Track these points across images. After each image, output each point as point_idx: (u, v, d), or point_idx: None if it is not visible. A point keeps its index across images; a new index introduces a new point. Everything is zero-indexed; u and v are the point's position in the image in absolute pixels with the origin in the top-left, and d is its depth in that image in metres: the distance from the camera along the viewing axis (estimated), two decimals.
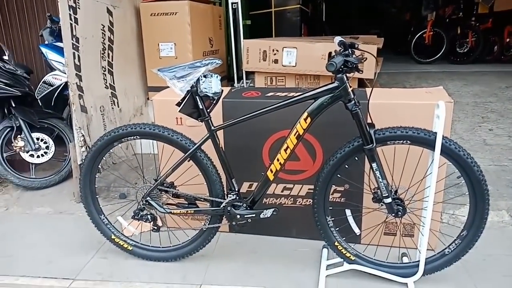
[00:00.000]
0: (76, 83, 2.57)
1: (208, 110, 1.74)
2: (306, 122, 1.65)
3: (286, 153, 1.71)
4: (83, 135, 2.61)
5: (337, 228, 1.81)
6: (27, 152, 2.88)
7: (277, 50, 3.00)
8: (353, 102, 1.59)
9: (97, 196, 2.02)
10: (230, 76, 3.94)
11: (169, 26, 3.12)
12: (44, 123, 2.97)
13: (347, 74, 1.58)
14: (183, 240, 1.99)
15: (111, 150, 1.93)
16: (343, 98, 1.60)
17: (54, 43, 3.17)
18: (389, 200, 1.66)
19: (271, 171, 1.76)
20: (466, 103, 3.98)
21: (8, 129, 2.87)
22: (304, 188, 2.08)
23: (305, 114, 1.64)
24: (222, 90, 1.78)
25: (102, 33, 2.85)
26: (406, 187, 1.78)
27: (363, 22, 9.99)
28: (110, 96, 2.98)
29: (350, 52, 1.56)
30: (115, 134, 1.84)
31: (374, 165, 1.62)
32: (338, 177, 1.74)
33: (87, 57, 2.65)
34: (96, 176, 1.99)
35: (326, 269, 1.85)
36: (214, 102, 1.75)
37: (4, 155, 2.85)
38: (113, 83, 3.00)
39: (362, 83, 2.96)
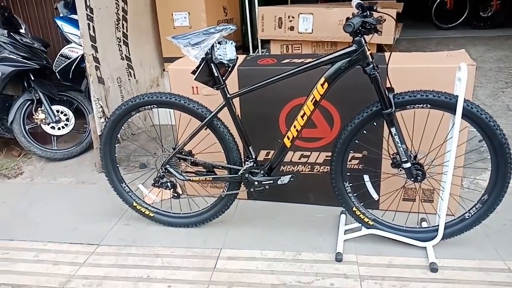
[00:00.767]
0: (92, 54, 2.58)
1: (224, 78, 1.73)
2: (323, 88, 1.62)
3: (303, 119, 1.69)
4: (101, 106, 2.64)
5: (355, 194, 1.81)
6: (48, 124, 2.94)
7: (293, 17, 2.93)
8: (371, 65, 1.55)
9: (118, 165, 2.07)
10: (245, 45, 3.88)
11: None
12: (63, 95, 3.01)
13: (365, 36, 1.54)
14: (203, 207, 2.03)
15: (129, 120, 1.96)
16: (361, 62, 1.57)
17: (69, 16, 3.16)
18: (408, 165, 1.64)
19: (288, 138, 1.75)
20: (489, 68, 3.84)
21: (29, 102, 2.92)
22: (321, 156, 2.07)
23: (322, 79, 1.62)
24: (237, 57, 1.76)
25: (116, 3, 2.82)
26: (425, 152, 1.76)
27: None
28: (126, 68, 2.99)
29: (369, 14, 1.52)
30: (132, 104, 1.86)
31: (393, 130, 1.60)
32: (356, 143, 1.72)
33: (102, 27, 2.65)
34: (116, 145, 2.02)
35: (344, 234, 1.87)
36: (229, 69, 1.73)
37: (27, 127, 2.92)
38: (129, 54, 3.00)
39: (381, 49, 2.88)
